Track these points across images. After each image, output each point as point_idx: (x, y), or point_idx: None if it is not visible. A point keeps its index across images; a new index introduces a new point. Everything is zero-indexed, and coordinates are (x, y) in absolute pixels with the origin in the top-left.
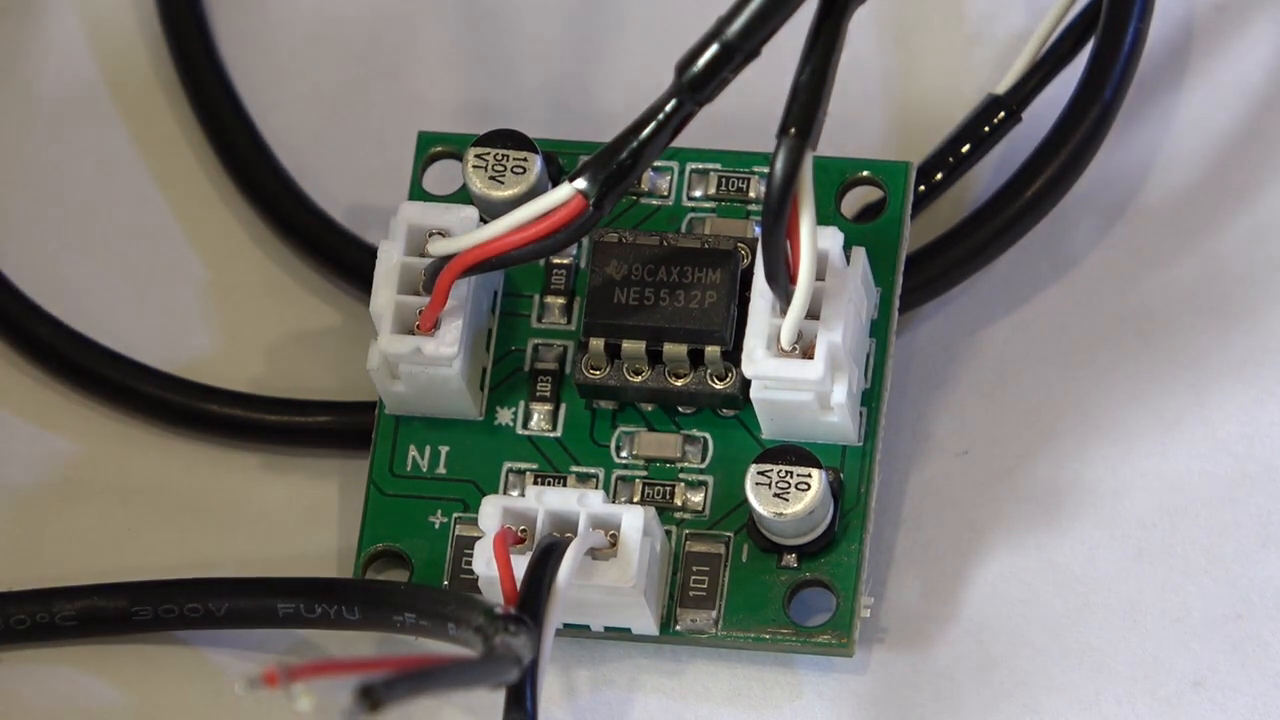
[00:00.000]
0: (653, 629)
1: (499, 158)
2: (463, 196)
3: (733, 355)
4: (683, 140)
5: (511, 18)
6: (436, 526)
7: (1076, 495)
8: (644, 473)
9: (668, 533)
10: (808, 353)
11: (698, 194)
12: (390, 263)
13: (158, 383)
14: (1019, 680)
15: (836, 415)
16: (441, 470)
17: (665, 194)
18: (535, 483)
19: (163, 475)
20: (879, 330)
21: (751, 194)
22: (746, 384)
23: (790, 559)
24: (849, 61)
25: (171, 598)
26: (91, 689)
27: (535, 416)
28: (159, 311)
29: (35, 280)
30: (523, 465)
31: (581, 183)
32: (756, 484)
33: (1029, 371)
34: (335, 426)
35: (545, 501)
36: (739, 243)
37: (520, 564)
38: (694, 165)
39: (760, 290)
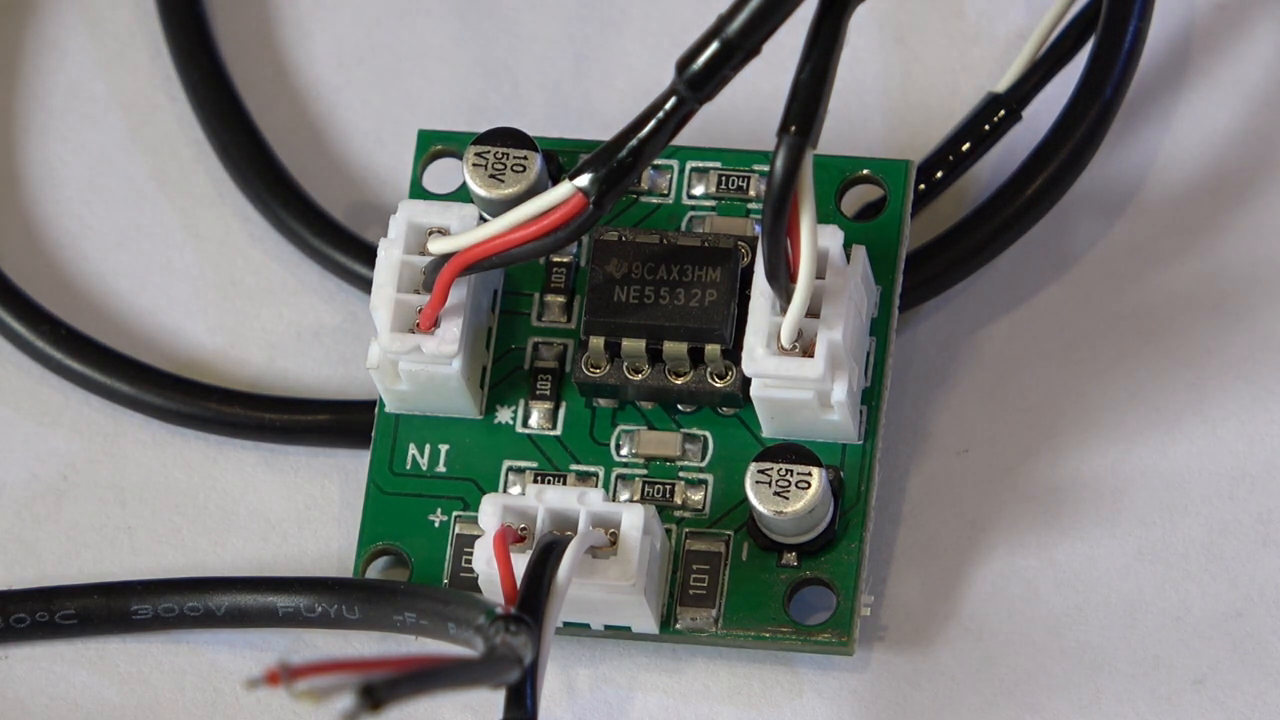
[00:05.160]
0: (653, 627)
1: (499, 156)
2: (463, 195)
3: (733, 353)
4: (683, 138)
5: (511, 17)
6: (436, 525)
7: (1076, 493)
8: (644, 471)
9: (668, 531)
10: (808, 351)
11: (698, 192)
12: (390, 261)
13: (157, 381)
14: (1019, 679)
15: (837, 413)
16: (441, 469)
17: (665, 192)
18: (535, 481)
19: (162, 474)
20: (879, 328)
21: (752, 192)
22: (747, 382)
23: (790, 557)
24: (849, 60)
25: (171, 596)
26: (91, 688)
27: (535, 415)
28: (158, 310)
29: (35, 280)
30: (523, 464)
31: (581, 181)
32: (756, 482)
33: (1029, 370)
34: (335, 425)
35: (545, 500)
36: (739, 241)
37: (520, 562)
38: (694, 163)
39: (760, 288)
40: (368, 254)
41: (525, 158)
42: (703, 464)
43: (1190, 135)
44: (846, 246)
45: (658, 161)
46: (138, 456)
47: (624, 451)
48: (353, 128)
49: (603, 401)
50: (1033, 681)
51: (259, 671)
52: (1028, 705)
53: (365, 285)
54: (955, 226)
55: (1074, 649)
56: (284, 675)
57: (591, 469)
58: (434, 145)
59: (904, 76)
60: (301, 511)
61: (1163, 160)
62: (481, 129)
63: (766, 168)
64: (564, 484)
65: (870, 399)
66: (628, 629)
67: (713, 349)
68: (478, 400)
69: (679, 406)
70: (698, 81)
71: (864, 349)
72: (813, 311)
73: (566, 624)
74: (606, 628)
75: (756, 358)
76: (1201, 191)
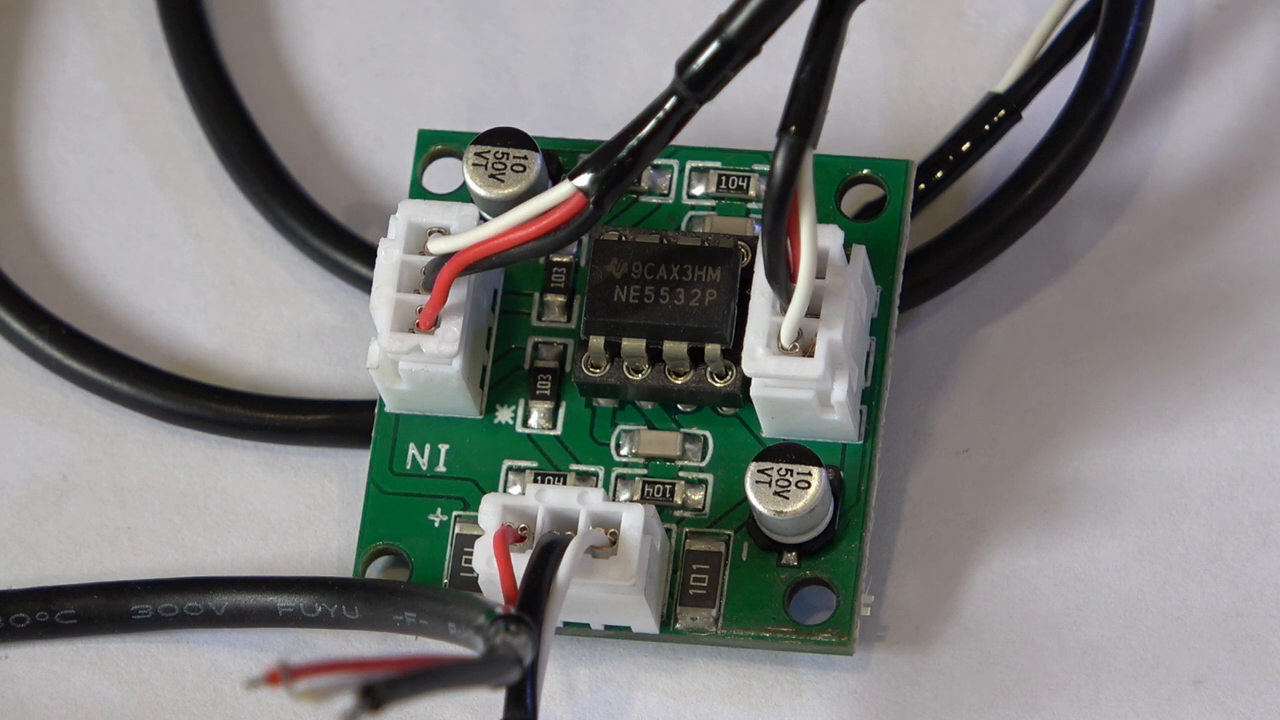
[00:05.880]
0: (653, 627)
1: (499, 156)
2: (463, 195)
3: (733, 353)
4: (683, 138)
5: (511, 17)
6: (436, 525)
7: (1076, 493)
8: (644, 471)
9: (668, 531)
10: (808, 351)
11: (698, 192)
12: (390, 261)
13: (157, 381)
14: (1019, 678)
15: (837, 413)
16: (441, 468)
17: (665, 192)
18: (535, 481)
19: (162, 474)
20: (879, 328)
21: (752, 192)
22: (747, 382)
23: (790, 557)
24: (849, 60)
25: (171, 596)
26: (91, 688)
27: (535, 415)
28: (158, 310)
29: (35, 280)
30: (523, 463)
31: (581, 181)
32: (757, 482)
33: (1029, 370)
34: (335, 425)
35: (545, 500)
36: (739, 241)
37: (520, 562)
38: (694, 163)
39: (760, 288)
40: (368, 254)
41: (525, 158)
42: (703, 464)
43: (1190, 135)
44: (846, 246)
45: (658, 161)
46: (138, 456)
47: (624, 451)
48: (353, 128)
49: (603, 401)
50: (1033, 681)
51: (259, 671)
52: (1028, 705)
53: (365, 285)
54: (955, 226)
55: (1074, 649)
56: (284, 675)
57: (591, 469)
58: (434, 145)
59: (904, 76)
60: (301, 511)
61: (1163, 160)
62: (481, 129)
63: (766, 168)
64: (564, 484)
65: (870, 399)
66: (628, 629)
67: (713, 349)
68: (478, 400)
69: (679, 406)
70: (698, 81)
71: (864, 349)
72: (813, 311)
73: (566, 624)
74: (606, 628)
75: (756, 357)
76: (1201, 191)
